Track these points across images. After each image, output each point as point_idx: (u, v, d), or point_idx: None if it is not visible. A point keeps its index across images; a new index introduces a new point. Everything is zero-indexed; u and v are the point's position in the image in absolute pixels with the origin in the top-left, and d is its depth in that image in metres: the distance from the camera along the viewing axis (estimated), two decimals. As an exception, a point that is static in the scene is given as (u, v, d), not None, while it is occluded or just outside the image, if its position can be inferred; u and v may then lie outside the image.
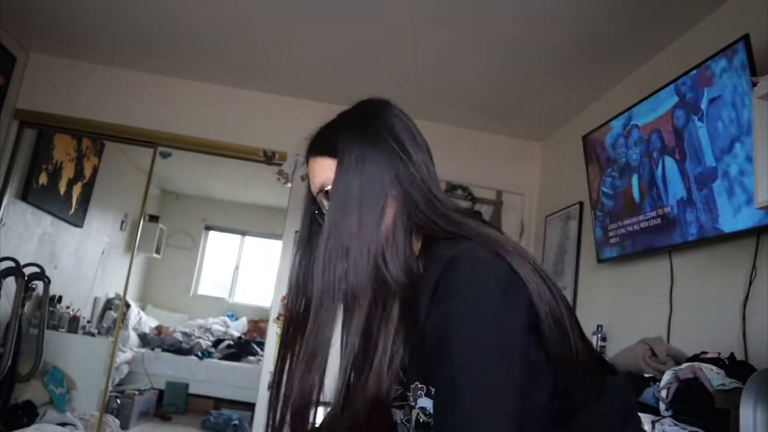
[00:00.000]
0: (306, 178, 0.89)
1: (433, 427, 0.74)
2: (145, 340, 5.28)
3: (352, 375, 0.78)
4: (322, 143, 0.85)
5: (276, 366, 0.84)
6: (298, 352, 0.81)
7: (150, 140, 3.53)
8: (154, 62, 3.40)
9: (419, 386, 0.76)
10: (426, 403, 0.75)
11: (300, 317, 0.84)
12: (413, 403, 0.78)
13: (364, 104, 0.88)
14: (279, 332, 3.39)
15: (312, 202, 0.89)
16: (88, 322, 4.37)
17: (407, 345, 0.77)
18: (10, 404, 3.29)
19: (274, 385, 0.83)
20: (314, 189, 0.86)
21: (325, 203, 0.83)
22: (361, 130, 0.83)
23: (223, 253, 6.43)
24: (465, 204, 3.52)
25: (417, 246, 0.83)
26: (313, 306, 0.79)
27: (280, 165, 3.50)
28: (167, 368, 4.93)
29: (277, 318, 3.40)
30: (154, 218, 5.79)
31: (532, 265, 0.75)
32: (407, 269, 0.77)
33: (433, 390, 0.73)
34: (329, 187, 0.82)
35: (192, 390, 4.92)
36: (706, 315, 2.02)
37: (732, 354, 1.68)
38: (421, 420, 0.77)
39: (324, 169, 0.84)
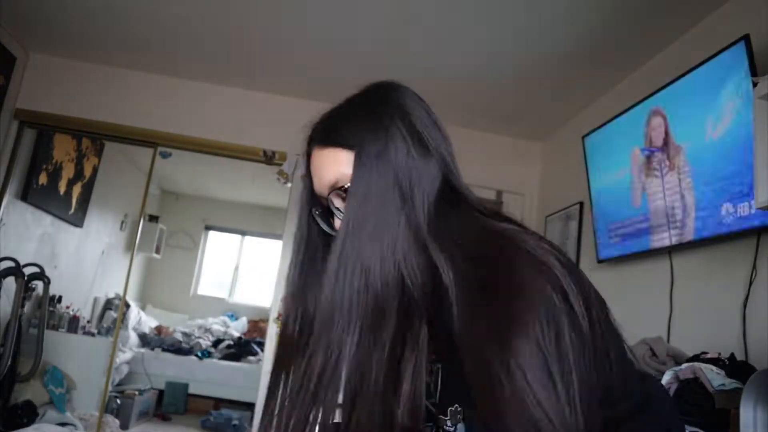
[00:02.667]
0: (306, 177, 0.79)
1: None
2: (145, 340, 5.28)
3: (368, 410, 0.63)
4: (333, 133, 0.72)
5: (266, 397, 0.71)
6: (291, 385, 0.67)
7: (150, 140, 3.53)
8: (154, 62, 3.40)
9: (458, 409, 0.65)
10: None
11: (298, 340, 0.71)
12: (452, 429, 0.65)
13: (376, 88, 0.76)
14: (279, 332, 3.39)
15: (312, 201, 0.76)
16: (88, 322, 4.36)
17: (434, 367, 0.67)
18: (10, 404, 3.28)
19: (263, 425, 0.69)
20: (323, 186, 0.73)
21: (338, 203, 0.71)
22: (377, 119, 0.70)
23: (223, 253, 6.43)
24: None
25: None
26: (318, 325, 0.65)
27: (280, 165, 3.49)
28: (167, 368, 4.92)
29: (277, 318, 3.40)
30: (154, 218, 5.78)
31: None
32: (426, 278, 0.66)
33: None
34: (348, 185, 0.68)
35: (192, 390, 4.91)
36: (706, 315, 2.02)
37: (732, 354, 1.68)
38: None
39: (338, 164, 0.70)
